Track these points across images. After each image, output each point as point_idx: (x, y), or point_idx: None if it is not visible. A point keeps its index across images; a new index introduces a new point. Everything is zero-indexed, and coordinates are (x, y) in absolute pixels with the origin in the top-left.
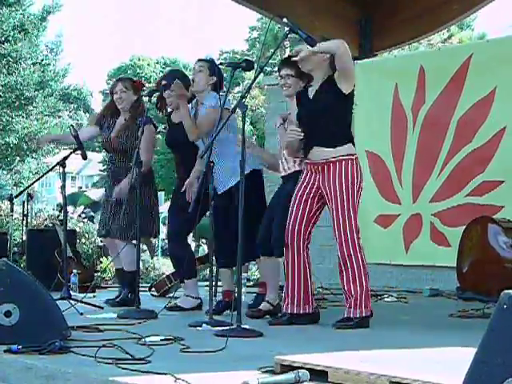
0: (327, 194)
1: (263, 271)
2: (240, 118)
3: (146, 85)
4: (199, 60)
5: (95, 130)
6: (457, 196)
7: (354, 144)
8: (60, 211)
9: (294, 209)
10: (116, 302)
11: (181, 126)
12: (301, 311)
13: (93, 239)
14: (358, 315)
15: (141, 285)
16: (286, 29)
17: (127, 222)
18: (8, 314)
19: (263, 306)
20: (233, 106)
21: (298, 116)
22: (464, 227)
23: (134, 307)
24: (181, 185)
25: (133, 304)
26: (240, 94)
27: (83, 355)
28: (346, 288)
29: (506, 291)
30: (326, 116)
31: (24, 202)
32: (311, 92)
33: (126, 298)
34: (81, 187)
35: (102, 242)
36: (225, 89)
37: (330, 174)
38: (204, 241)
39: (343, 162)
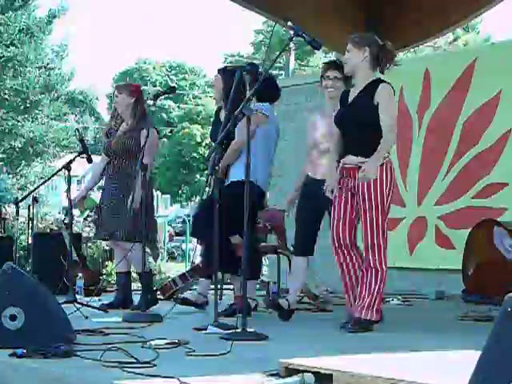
0: (358, 198)
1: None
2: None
3: (146, 87)
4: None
5: (103, 159)
6: (462, 199)
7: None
8: (65, 215)
9: (336, 213)
10: (136, 306)
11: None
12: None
13: (98, 243)
14: (367, 317)
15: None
16: (291, 32)
17: (133, 224)
18: (13, 317)
19: (282, 302)
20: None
21: (336, 118)
22: (469, 230)
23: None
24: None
25: (154, 304)
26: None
27: (88, 359)
28: (359, 289)
29: (511, 294)
30: (358, 125)
31: (30, 206)
32: (351, 96)
33: (146, 299)
34: None
35: (107, 245)
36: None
37: (350, 178)
38: None
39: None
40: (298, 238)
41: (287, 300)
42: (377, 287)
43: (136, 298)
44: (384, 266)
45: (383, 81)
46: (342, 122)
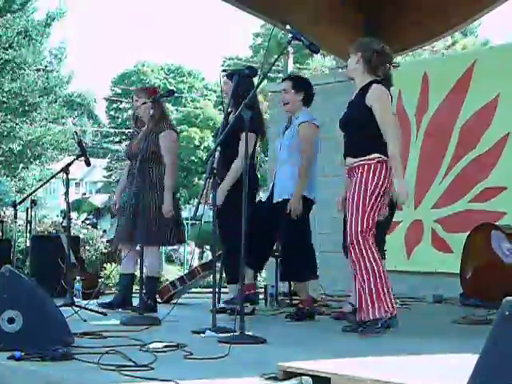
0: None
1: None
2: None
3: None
4: (283, 80)
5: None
6: (459, 202)
7: (381, 152)
8: (64, 218)
9: (345, 214)
10: (136, 307)
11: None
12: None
13: (96, 246)
14: (365, 318)
15: (145, 291)
16: (290, 35)
17: (156, 226)
18: (11, 320)
19: (345, 307)
20: (236, 113)
21: (339, 121)
22: (466, 234)
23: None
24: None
25: (153, 310)
26: (244, 101)
27: (86, 362)
28: (357, 291)
29: (509, 298)
30: (350, 126)
31: (28, 209)
32: (350, 99)
33: (146, 304)
34: (85, 193)
35: (106, 248)
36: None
37: (352, 178)
38: (208, 247)
39: (366, 166)
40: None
41: (350, 303)
42: (369, 285)
43: (135, 301)
44: (369, 264)
45: (374, 82)
46: (340, 124)
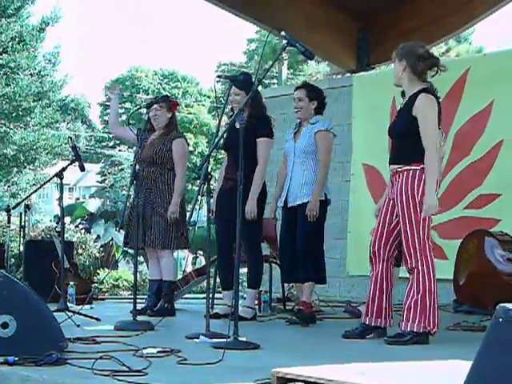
0: (396, 205)
1: None
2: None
3: (139, 95)
4: (296, 89)
5: (132, 134)
6: (454, 209)
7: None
8: (57, 223)
9: (376, 224)
10: (154, 311)
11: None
12: (372, 323)
13: (90, 251)
14: (411, 329)
15: (138, 297)
16: (284, 41)
17: (171, 230)
18: (5, 325)
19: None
20: (231, 119)
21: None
22: (461, 240)
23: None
24: (229, 185)
25: (171, 314)
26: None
27: (80, 367)
28: (404, 299)
29: (502, 304)
30: (396, 134)
31: (21, 214)
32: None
33: (163, 307)
34: (78, 198)
35: (99, 253)
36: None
37: (397, 183)
38: (201, 252)
39: (411, 172)
40: None
41: None
42: (422, 297)
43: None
44: (421, 277)
45: (423, 91)
46: (388, 132)
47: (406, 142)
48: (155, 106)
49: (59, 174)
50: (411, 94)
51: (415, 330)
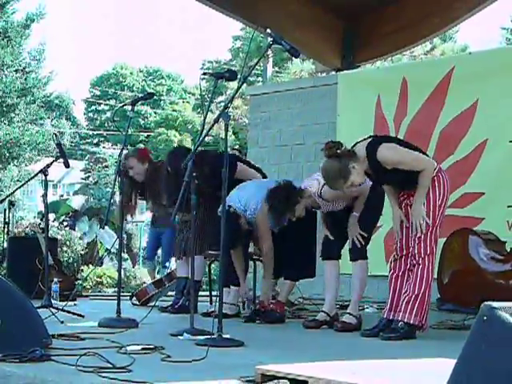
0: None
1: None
2: (223, 128)
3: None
4: None
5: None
6: None
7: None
8: (41, 219)
9: (404, 225)
10: (175, 308)
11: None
12: (390, 317)
13: (74, 247)
14: (408, 320)
15: (122, 294)
16: (270, 39)
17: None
18: None
19: (320, 316)
20: (215, 116)
21: None
22: (445, 239)
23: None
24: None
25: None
26: (223, 104)
27: (64, 363)
28: (402, 291)
29: (486, 303)
30: (392, 183)
31: (5, 210)
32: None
33: (184, 304)
34: (62, 195)
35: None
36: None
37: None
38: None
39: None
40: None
41: (324, 311)
42: (419, 290)
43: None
44: (420, 272)
45: (366, 149)
46: (380, 184)
47: (403, 178)
48: (127, 166)
49: (44, 171)
50: (369, 167)
51: (411, 322)
